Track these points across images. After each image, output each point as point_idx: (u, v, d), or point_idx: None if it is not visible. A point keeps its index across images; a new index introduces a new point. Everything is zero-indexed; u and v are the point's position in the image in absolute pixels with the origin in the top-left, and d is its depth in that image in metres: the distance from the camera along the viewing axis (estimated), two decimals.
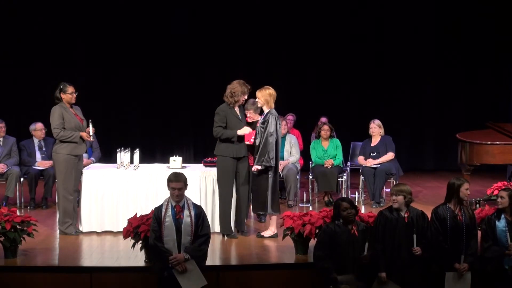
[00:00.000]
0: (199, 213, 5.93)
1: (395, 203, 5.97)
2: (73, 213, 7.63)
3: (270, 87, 7.56)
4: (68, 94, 7.59)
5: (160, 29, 12.71)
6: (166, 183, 5.97)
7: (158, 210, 5.90)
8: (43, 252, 6.89)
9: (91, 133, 7.66)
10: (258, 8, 12.86)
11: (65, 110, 7.56)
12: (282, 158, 9.42)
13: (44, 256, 6.78)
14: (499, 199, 6.22)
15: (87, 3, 12.54)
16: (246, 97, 7.61)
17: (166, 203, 5.90)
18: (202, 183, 7.79)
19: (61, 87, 7.61)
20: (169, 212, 5.83)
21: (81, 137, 7.60)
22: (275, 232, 7.50)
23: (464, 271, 6.00)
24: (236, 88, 7.51)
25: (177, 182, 5.88)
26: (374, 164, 9.34)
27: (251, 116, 7.98)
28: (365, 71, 12.99)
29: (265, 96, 7.47)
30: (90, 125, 7.64)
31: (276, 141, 7.42)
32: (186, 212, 5.86)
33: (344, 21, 12.89)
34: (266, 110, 7.51)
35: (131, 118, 12.78)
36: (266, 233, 7.54)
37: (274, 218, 7.54)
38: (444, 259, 6.03)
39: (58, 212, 7.75)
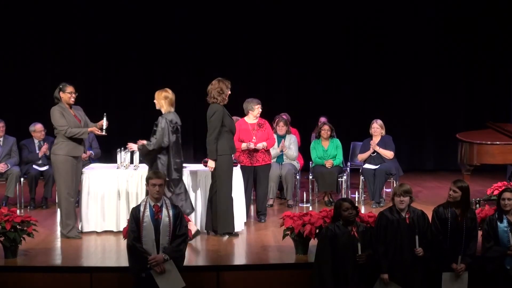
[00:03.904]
0: (177, 213, 5.90)
1: (402, 203, 5.95)
2: (74, 215, 7.59)
3: (168, 90, 7.30)
4: (67, 93, 7.47)
5: (160, 28, 12.71)
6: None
7: (136, 210, 5.85)
8: (43, 252, 6.88)
9: (104, 127, 7.46)
10: (258, 8, 12.87)
11: (64, 110, 7.44)
12: (282, 157, 9.45)
13: (44, 256, 6.77)
14: (506, 201, 6.12)
15: (86, 2, 12.55)
16: (229, 92, 7.55)
17: (144, 203, 5.86)
18: (202, 183, 7.78)
19: (61, 86, 7.52)
20: (147, 212, 5.79)
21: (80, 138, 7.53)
22: (196, 229, 7.31)
23: (461, 272, 6.00)
24: (220, 85, 7.44)
25: (157, 178, 5.87)
26: (375, 150, 9.34)
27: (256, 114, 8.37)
28: (365, 71, 13.00)
29: (160, 99, 7.25)
30: (105, 119, 7.46)
31: (170, 146, 7.17)
32: (164, 212, 5.83)
33: (344, 21, 12.90)
34: (162, 112, 7.28)
35: (131, 118, 12.78)
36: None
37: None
38: (443, 259, 6.03)
39: (59, 215, 7.65)
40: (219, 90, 7.43)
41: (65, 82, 7.58)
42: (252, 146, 8.28)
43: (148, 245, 5.74)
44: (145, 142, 7.16)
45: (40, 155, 9.26)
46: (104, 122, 7.47)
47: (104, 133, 7.52)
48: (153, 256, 5.70)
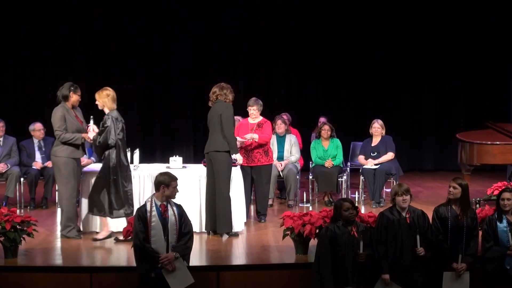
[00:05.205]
0: (181, 211, 5.96)
1: (405, 202, 5.97)
2: (76, 216, 7.56)
3: (108, 88, 7.33)
4: (77, 95, 7.46)
5: (160, 28, 12.71)
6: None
7: (142, 210, 5.87)
8: (43, 252, 6.89)
9: (90, 130, 7.37)
10: (258, 8, 12.87)
11: (68, 112, 7.39)
12: (282, 158, 9.44)
13: (44, 256, 6.78)
14: (505, 201, 6.13)
15: (86, 3, 12.55)
16: None
17: (149, 203, 5.88)
18: (202, 183, 7.77)
19: (73, 87, 7.44)
20: (155, 212, 5.82)
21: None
22: (110, 232, 7.38)
23: (462, 271, 6.00)
24: (229, 86, 7.65)
25: (176, 180, 5.95)
26: (374, 165, 9.34)
27: (255, 114, 8.44)
28: (365, 71, 13.00)
29: (102, 97, 7.27)
30: (91, 122, 7.39)
31: (118, 143, 7.19)
32: (170, 210, 5.88)
33: (344, 21, 12.89)
34: (106, 112, 7.29)
35: (131, 118, 12.71)
36: (100, 236, 7.35)
37: (107, 220, 7.37)
38: (443, 258, 6.03)
39: (60, 216, 7.62)
40: (230, 90, 7.62)
41: (74, 84, 7.53)
42: (240, 140, 8.24)
43: (157, 244, 5.76)
44: (95, 133, 7.21)
45: (34, 165, 9.25)
46: (91, 127, 7.35)
47: (91, 139, 7.37)
48: (165, 255, 5.73)
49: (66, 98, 7.43)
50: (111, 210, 7.25)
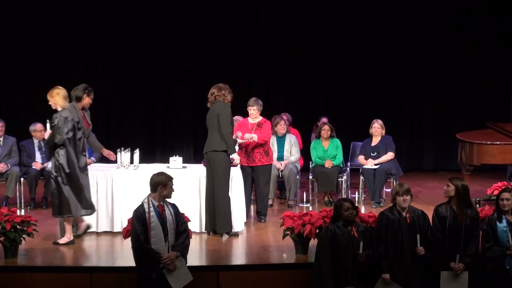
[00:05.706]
0: (176, 210, 5.99)
1: (406, 202, 5.98)
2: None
3: (59, 87, 7.21)
4: (90, 98, 7.55)
5: (160, 28, 12.71)
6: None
7: (140, 211, 5.84)
8: (43, 252, 6.90)
9: (46, 135, 7.23)
10: (258, 8, 12.86)
11: (77, 112, 7.47)
12: (282, 158, 9.44)
13: (44, 256, 6.79)
14: (504, 202, 6.14)
15: (86, 3, 12.55)
16: None
17: (147, 204, 5.87)
18: (202, 183, 7.78)
19: (88, 90, 7.51)
20: (153, 212, 5.83)
21: None
22: (71, 238, 7.23)
23: (460, 271, 5.99)
24: (227, 87, 7.69)
25: (172, 179, 5.97)
26: (374, 165, 9.35)
27: (255, 114, 8.47)
28: (366, 71, 12.99)
29: (53, 96, 7.16)
30: (48, 125, 7.22)
31: (66, 142, 7.10)
32: (167, 210, 5.90)
33: (344, 21, 12.88)
34: (59, 109, 7.18)
35: (131, 118, 12.77)
36: (62, 240, 7.21)
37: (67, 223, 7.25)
38: (442, 258, 6.03)
39: None
40: (228, 91, 7.66)
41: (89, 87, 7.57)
42: (240, 135, 8.24)
43: (158, 245, 5.77)
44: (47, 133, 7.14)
45: (34, 166, 9.25)
46: (48, 130, 7.22)
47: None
48: (167, 255, 5.75)
49: (79, 99, 7.51)
50: (79, 207, 7.14)
